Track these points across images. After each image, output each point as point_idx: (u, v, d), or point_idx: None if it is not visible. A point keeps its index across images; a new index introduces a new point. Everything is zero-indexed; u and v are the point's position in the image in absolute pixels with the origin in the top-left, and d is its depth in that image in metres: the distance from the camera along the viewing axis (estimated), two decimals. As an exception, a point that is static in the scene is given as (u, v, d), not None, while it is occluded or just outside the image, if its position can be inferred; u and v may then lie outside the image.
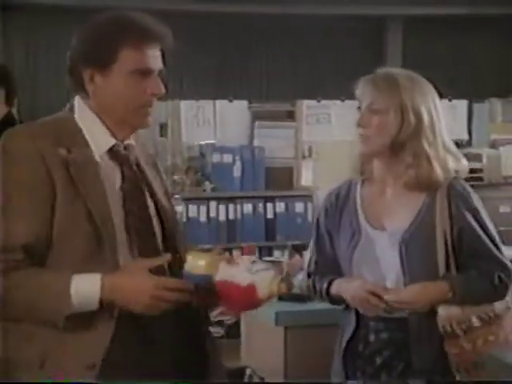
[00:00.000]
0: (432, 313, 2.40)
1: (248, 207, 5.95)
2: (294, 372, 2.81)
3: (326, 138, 6.06)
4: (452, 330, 2.39)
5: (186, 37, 6.02)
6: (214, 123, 5.81)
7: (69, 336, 1.85)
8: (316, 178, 6.07)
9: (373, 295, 2.39)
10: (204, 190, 5.92)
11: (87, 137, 1.95)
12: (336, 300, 2.56)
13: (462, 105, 6.30)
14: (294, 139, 6.17)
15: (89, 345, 1.86)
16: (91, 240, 1.89)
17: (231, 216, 5.94)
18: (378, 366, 2.47)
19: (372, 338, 2.49)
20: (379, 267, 2.46)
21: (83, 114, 1.98)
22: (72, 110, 2.00)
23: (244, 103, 5.99)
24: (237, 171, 5.95)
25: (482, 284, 2.43)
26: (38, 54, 5.65)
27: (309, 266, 2.68)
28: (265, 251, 5.86)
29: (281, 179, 6.11)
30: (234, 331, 4.90)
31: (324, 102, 5.92)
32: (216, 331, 5.97)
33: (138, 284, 1.86)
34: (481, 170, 6.61)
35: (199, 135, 5.87)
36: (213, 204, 5.91)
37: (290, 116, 6.27)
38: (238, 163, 5.95)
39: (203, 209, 5.89)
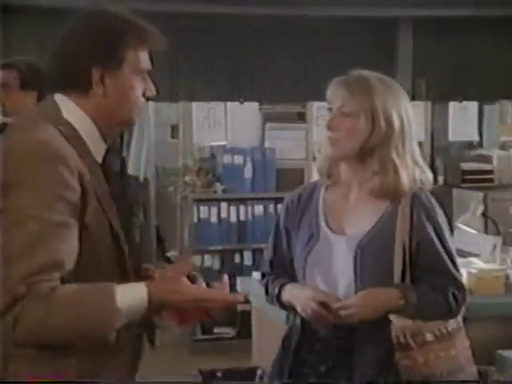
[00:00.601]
0: (382, 322, 2.32)
1: (259, 208, 5.97)
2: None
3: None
4: (406, 341, 2.32)
5: (197, 39, 6.04)
6: (225, 125, 5.82)
7: (97, 353, 1.79)
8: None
9: (323, 306, 2.32)
10: (215, 192, 5.94)
11: (86, 140, 1.88)
12: (287, 306, 2.51)
13: (472, 106, 6.29)
14: (304, 141, 6.18)
15: (118, 358, 1.85)
16: (114, 249, 1.87)
17: (242, 217, 5.96)
18: (322, 374, 2.40)
19: (318, 345, 2.42)
20: (333, 272, 2.39)
21: (76, 115, 1.88)
22: (57, 108, 1.88)
23: (255, 105, 6.01)
24: (248, 172, 5.96)
25: (436, 299, 2.36)
26: (39, 56, 5.62)
27: (264, 265, 2.63)
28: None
29: (292, 180, 6.11)
30: (244, 332, 4.92)
31: (335, 103, 5.93)
32: (227, 332, 6.01)
33: (181, 297, 1.82)
34: (491, 172, 6.61)
35: (210, 137, 5.89)
36: (224, 205, 5.93)
37: (301, 117, 6.28)
38: (249, 164, 5.96)
39: (214, 210, 5.91)
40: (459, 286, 2.40)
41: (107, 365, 1.84)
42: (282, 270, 2.54)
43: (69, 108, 1.88)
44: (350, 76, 2.43)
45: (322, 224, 2.44)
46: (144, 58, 1.94)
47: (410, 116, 2.42)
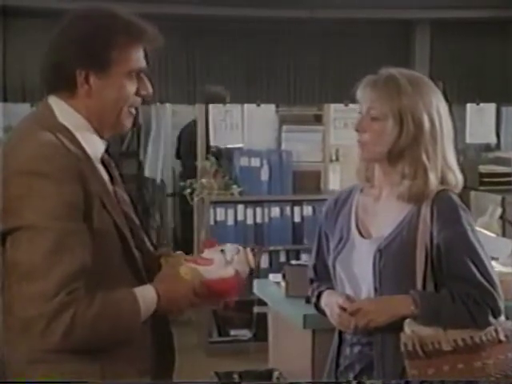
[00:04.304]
0: (399, 329, 2.25)
1: (275, 211, 5.96)
2: (322, 375, 2.81)
3: (354, 141, 6.02)
4: (414, 350, 2.23)
5: (214, 41, 6.05)
6: (242, 127, 5.82)
7: (117, 350, 1.84)
8: (343, 182, 6.07)
9: (343, 310, 2.30)
10: (232, 194, 5.94)
11: (82, 142, 1.88)
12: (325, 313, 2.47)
13: (489, 108, 6.26)
14: (321, 143, 6.17)
15: (137, 352, 1.89)
16: (122, 249, 1.89)
17: (259, 219, 5.95)
18: (351, 380, 2.37)
19: (347, 351, 2.41)
20: (356, 277, 2.36)
21: (70, 117, 1.88)
22: (51, 112, 1.88)
23: (272, 107, 6.01)
24: (264, 175, 5.96)
25: (454, 306, 2.24)
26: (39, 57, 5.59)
27: (309, 271, 2.60)
28: (292, 255, 5.87)
29: (308, 183, 6.11)
30: (261, 334, 4.91)
31: (352, 105, 5.92)
32: (243, 334, 6.00)
33: (184, 290, 1.90)
34: (509, 175, 6.57)
35: (227, 139, 5.89)
36: (240, 207, 5.92)
37: (318, 120, 6.28)
38: (266, 167, 5.96)
39: (231, 212, 5.90)
40: (484, 291, 2.25)
41: (128, 366, 1.87)
42: (325, 275, 2.49)
43: (63, 111, 1.89)
44: (379, 76, 2.34)
45: (353, 227, 2.40)
46: (136, 58, 1.91)
47: (443, 116, 2.34)
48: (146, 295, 1.84)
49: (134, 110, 1.95)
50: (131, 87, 1.91)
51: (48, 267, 1.71)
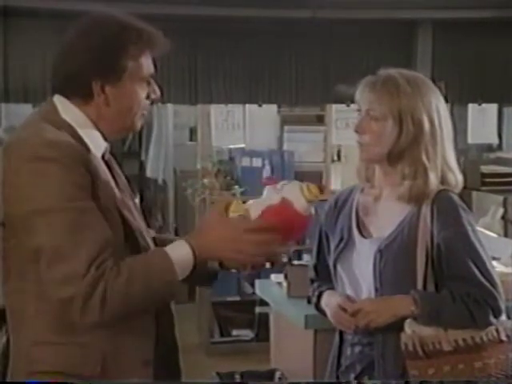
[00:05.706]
0: (399, 329, 2.25)
1: (277, 211, 5.94)
2: (323, 375, 2.82)
3: (355, 142, 6.02)
4: (414, 350, 2.23)
5: (215, 41, 6.05)
6: (244, 127, 5.82)
7: (121, 337, 1.87)
8: (345, 182, 6.07)
9: (343, 310, 2.31)
10: (233, 194, 5.94)
11: (84, 138, 1.91)
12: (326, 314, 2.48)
13: (491, 108, 6.26)
14: (323, 143, 6.18)
15: (141, 341, 1.91)
16: (123, 233, 1.91)
17: (260, 220, 5.94)
18: (352, 380, 2.37)
19: (348, 351, 2.41)
20: (357, 277, 2.36)
21: (73, 115, 1.92)
22: (55, 109, 1.92)
23: (273, 107, 6.01)
24: (266, 175, 5.97)
25: (455, 307, 2.24)
26: (44, 59, 5.58)
27: (310, 271, 2.61)
28: (294, 255, 5.87)
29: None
30: (263, 334, 4.92)
31: (353, 106, 5.91)
32: (245, 334, 6.00)
33: (224, 233, 1.88)
34: (511, 175, 6.57)
35: (229, 139, 5.90)
36: (242, 208, 5.91)
37: (320, 120, 6.28)
38: (268, 167, 5.97)
39: (232, 212, 5.89)
40: (485, 291, 2.25)
41: (131, 355, 1.90)
42: (326, 275, 2.50)
43: (66, 108, 1.93)
44: (378, 77, 2.34)
45: (353, 227, 2.40)
46: (146, 64, 1.96)
47: (443, 116, 2.34)
48: (179, 251, 1.85)
49: (145, 112, 2.00)
50: (143, 93, 1.97)
51: (73, 246, 1.75)
